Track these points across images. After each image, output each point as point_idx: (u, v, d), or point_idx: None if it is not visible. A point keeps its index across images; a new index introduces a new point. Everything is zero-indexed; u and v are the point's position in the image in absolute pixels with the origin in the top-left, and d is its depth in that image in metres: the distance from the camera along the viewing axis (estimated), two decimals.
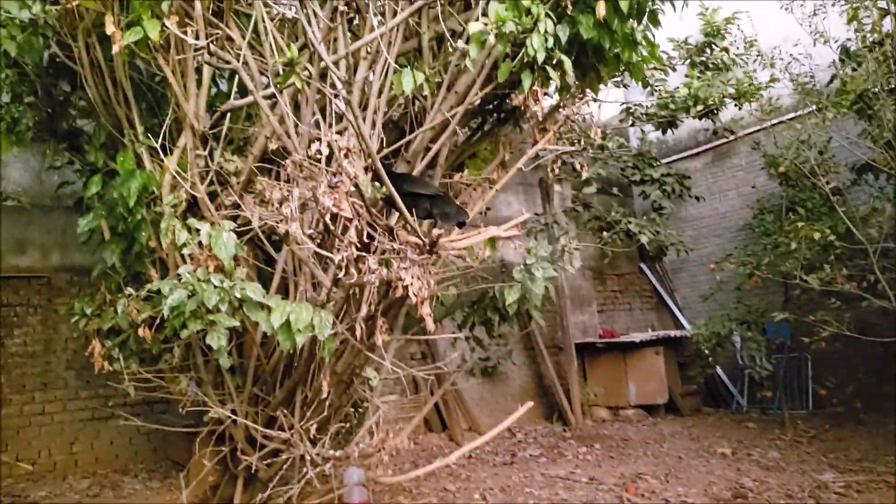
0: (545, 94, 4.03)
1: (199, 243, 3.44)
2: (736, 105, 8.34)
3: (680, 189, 9.33)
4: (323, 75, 3.20)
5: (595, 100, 9.06)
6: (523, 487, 5.55)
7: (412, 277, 3.34)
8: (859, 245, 5.84)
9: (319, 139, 2.93)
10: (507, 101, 4.98)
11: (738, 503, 4.95)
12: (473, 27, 2.96)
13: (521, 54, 3.36)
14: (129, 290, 4.07)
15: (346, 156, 2.84)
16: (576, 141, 8.09)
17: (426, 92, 3.28)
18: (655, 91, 8.82)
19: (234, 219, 3.84)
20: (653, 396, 8.78)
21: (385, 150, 4.01)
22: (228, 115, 3.81)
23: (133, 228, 4.03)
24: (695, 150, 10.19)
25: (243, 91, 4.00)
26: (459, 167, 5.32)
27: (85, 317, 4.51)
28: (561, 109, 4.40)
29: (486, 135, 5.34)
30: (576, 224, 9.71)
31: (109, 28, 3.21)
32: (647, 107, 9.07)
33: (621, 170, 9.61)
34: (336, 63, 3.09)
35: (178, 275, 3.33)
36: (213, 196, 4.04)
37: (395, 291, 3.30)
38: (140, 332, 3.94)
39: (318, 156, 2.95)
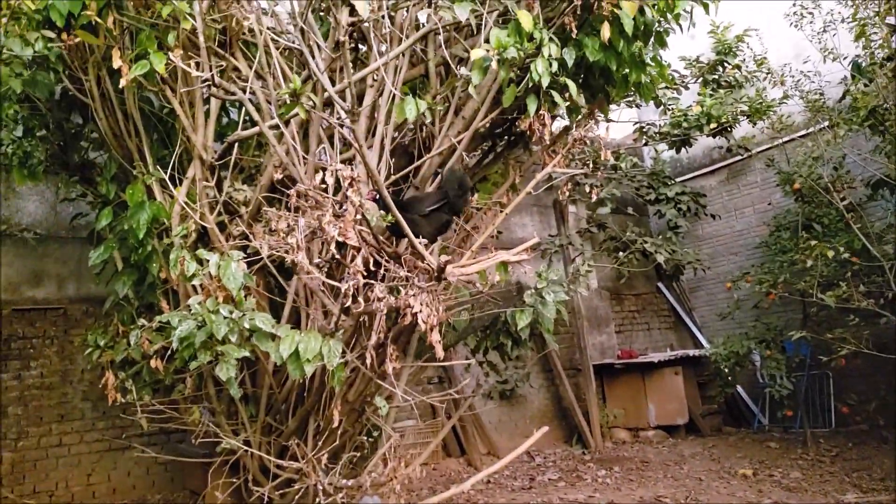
0: (555, 115, 4.03)
1: (209, 274, 3.45)
2: (749, 122, 8.30)
3: (695, 207, 9.26)
4: (329, 104, 3.22)
5: (608, 120, 9.09)
6: None
7: (421, 304, 3.32)
8: (876, 262, 5.75)
9: (325, 168, 2.93)
10: (516, 124, 5.00)
11: None
12: (476, 53, 2.97)
13: (526, 79, 3.36)
14: (142, 321, 4.09)
15: (350, 185, 2.84)
16: (588, 162, 8.11)
17: (429, 119, 3.27)
18: (668, 110, 8.81)
19: (244, 248, 3.86)
20: (673, 417, 8.64)
21: (394, 177, 4.02)
22: (237, 145, 3.84)
23: (144, 259, 4.06)
24: (709, 168, 10.13)
25: (254, 121, 4.05)
26: (471, 190, 5.33)
27: (98, 348, 4.54)
28: (570, 132, 4.38)
29: (497, 158, 5.34)
30: (592, 244, 9.66)
31: (117, 62, 3.26)
32: (660, 126, 9.04)
33: (636, 189, 9.56)
34: (342, 92, 3.11)
35: (188, 306, 3.34)
36: (223, 226, 4.05)
37: (405, 319, 3.28)
38: (152, 363, 3.95)
39: (324, 185, 2.96)
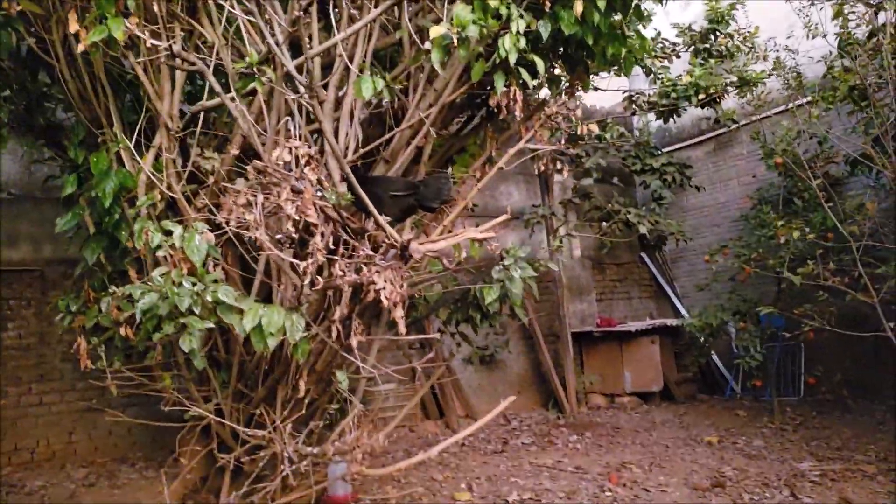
0: (527, 92, 4.00)
1: (173, 245, 3.46)
2: (738, 94, 8.25)
3: (681, 178, 9.25)
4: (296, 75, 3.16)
5: (596, 89, 9.01)
6: (510, 477, 5.59)
7: (384, 281, 3.35)
8: (845, 242, 5.81)
9: (284, 145, 2.92)
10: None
11: (716, 492, 4.98)
12: (435, 31, 2.93)
13: (494, 55, 3.33)
14: (113, 287, 4.10)
15: (307, 162, 2.83)
16: (571, 133, 8.07)
17: (387, 98, 3.23)
18: (658, 79, 8.73)
19: (212, 220, 3.85)
20: (648, 384, 8.81)
21: (366, 148, 4.00)
22: (202, 114, 3.79)
23: (113, 227, 4.05)
24: (697, 139, 10.09)
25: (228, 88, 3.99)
26: (448, 163, 5.31)
27: (70, 314, 4.56)
28: (547, 106, 4.35)
29: (475, 130, 5.31)
30: (577, 214, 9.68)
31: (73, 26, 3.19)
32: (649, 95, 8.97)
33: (623, 159, 9.55)
34: (302, 66, 3.07)
35: (151, 277, 3.35)
36: (192, 197, 4.04)
37: (367, 295, 3.31)
38: (122, 331, 3.98)
39: (282, 161, 2.95)
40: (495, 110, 4.54)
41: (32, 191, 6.34)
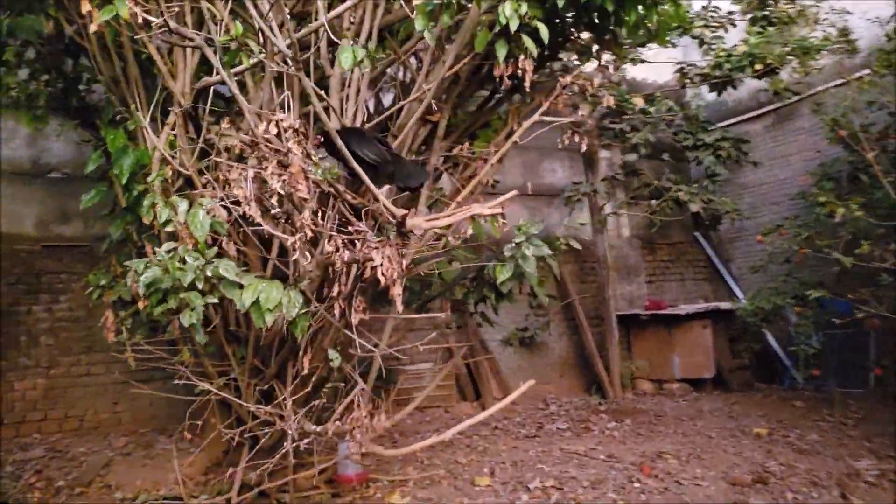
0: (539, 62, 3.81)
1: (180, 221, 3.49)
2: (798, 64, 7.72)
3: (737, 154, 8.78)
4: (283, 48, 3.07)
5: (643, 61, 8.62)
6: (536, 463, 5.47)
7: (383, 258, 3.28)
8: None
9: (270, 119, 2.87)
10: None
11: (756, 489, 4.70)
12: None
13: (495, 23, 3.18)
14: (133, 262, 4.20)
15: (295, 135, 2.78)
16: (611, 107, 7.75)
17: (368, 67, 3.11)
18: (711, 50, 8.29)
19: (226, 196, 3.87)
20: (699, 370, 8.46)
21: (373, 122, 3.93)
22: (211, 91, 3.80)
23: (133, 203, 4.14)
24: (755, 113, 9.53)
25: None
26: (471, 138, 5.18)
27: (100, 288, 4.72)
28: (562, 77, 4.16)
29: (498, 104, 5.16)
30: (625, 192, 9.35)
31: (85, 6, 3.23)
32: (702, 67, 8.52)
33: (674, 134, 9.14)
34: (299, 41, 3.01)
35: (154, 252, 3.40)
36: (205, 172, 4.07)
37: (364, 272, 3.25)
38: (140, 304, 4.07)
39: (269, 134, 2.91)
40: (516, 83, 4.40)
41: (83, 171, 6.59)
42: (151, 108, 3.94)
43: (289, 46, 2.89)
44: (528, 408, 7.69)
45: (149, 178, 3.79)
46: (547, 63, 5.09)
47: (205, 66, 4.17)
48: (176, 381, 4.07)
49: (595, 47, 5.16)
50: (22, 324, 6.22)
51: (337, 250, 3.17)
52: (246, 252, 4.27)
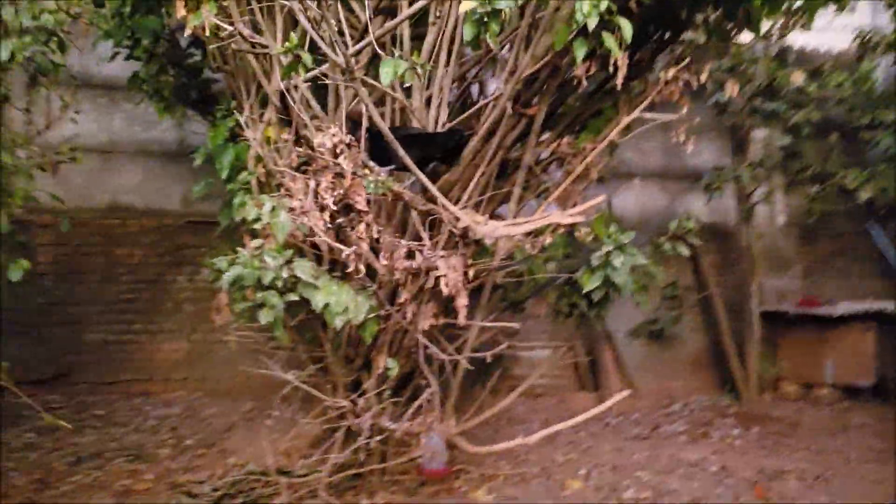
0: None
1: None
2: None
3: None
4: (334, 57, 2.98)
5: (805, 29, 7.61)
6: (636, 469, 5.16)
7: (448, 267, 3.20)
8: None
9: (323, 131, 2.86)
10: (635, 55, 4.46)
11: None
12: (465, 5, 2.58)
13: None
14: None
15: (340, 151, 2.74)
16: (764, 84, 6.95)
17: (409, 81, 2.93)
18: None
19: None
20: (854, 377, 7.53)
21: (455, 121, 3.80)
22: (299, 92, 3.86)
23: (230, 198, 4.38)
24: None
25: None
26: (580, 128, 4.90)
27: (217, 271, 5.06)
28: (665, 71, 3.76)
29: (612, 92, 4.79)
30: (783, 176, 8.42)
31: (180, 11, 3.39)
32: (886, 34, 7.39)
33: (850, 111, 8.02)
34: (364, 47, 2.95)
35: (235, 250, 3.58)
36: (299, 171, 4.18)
37: (427, 282, 3.19)
38: (223, 300, 4.33)
39: (322, 148, 2.90)
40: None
41: None
42: (249, 105, 4.10)
43: (353, 55, 2.84)
44: (648, 405, 7.30)
45: (239, 176, 3.97)
46: (666, 47, 4.66)
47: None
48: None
49: (729, 25, 4.65)
50: (167, 292, 6.91)
51: (401, 259, 3.13)
52: (323, 255, 4.35)
